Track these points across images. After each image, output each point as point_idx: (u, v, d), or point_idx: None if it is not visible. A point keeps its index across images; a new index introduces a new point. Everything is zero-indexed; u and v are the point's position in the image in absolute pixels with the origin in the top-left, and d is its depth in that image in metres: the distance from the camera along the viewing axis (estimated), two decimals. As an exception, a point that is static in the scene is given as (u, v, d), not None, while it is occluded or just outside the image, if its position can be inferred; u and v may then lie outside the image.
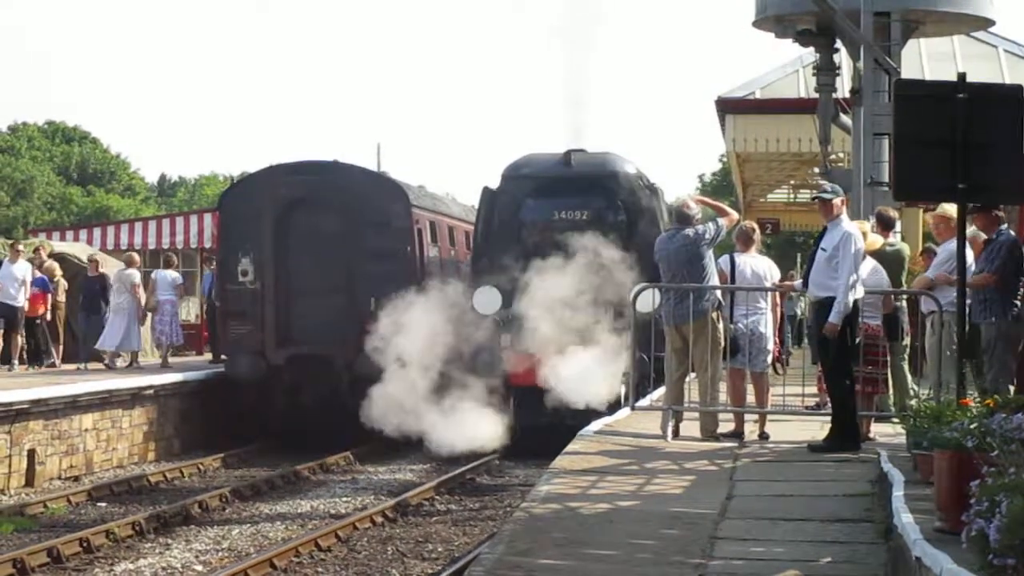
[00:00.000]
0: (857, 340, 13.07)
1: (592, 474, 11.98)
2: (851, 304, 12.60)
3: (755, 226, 15.38)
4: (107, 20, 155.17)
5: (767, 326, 14.40)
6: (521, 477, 20.41)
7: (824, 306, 12.73)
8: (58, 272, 25.69)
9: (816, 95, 23.07)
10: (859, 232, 12.92)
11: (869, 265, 13.70)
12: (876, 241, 14.11)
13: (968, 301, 11.54)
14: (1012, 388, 11.13)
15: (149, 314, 25.67)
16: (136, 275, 25.17)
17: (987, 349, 11.89)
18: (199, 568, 14.09)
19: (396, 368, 20.46)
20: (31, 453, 19.22)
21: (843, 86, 23.64)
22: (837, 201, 12.96)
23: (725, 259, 14.65)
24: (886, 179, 18.72)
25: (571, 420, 18.46)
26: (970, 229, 12.31)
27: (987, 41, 28.14)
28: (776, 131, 27.60)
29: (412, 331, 20.66)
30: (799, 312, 27.49)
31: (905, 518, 8.25)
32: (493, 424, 20.61)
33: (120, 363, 25.29)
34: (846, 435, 12.87)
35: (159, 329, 25.87)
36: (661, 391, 15.69)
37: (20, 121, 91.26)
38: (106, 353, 25.07)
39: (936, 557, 6.99)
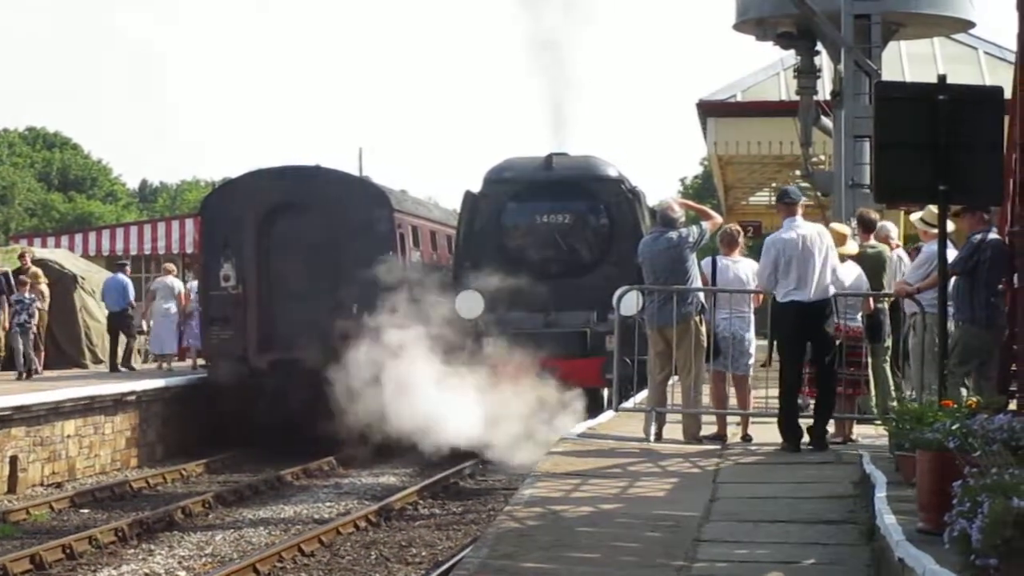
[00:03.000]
0: (837, 343, 13.25)
1: (575, 477, 11.97)
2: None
3: (739, 229, 15.38)
4: (88, 26, 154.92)
5: (750, 329, 14.43)
6: (504, 480, 20.37)
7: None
8: (42, 279, 25.52)
9: (797, 98, 23.09)
10: (786, 235, 13.03)
11: (853, 271, 13.77)
12: (851, 249, 14.13)
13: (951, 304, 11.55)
14: (964, 393, 11.07)
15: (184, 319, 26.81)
16: (179, 283, 26.84)
17: (951, 352, 11.85)
18: (182, 574, 14.06)
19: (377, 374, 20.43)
20: (13, 460, 19.16)
21: (824, 89, 23.65)
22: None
23: (707, 262, 14.66)
24: (867, 181, 18.74)
25: None
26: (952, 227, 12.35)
27: (967, 43, 28.16)
28: (758, 134, 27.57)
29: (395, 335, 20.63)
30: None
31: (888, 519, 8.25)
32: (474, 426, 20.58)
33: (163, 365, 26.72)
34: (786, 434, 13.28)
35: (191, 334, 26.69)
36: (644, 394, 15.68)
37: (1, 127, 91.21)
38: (163, 357, 26.63)
39: (919, 558, 6.99)
